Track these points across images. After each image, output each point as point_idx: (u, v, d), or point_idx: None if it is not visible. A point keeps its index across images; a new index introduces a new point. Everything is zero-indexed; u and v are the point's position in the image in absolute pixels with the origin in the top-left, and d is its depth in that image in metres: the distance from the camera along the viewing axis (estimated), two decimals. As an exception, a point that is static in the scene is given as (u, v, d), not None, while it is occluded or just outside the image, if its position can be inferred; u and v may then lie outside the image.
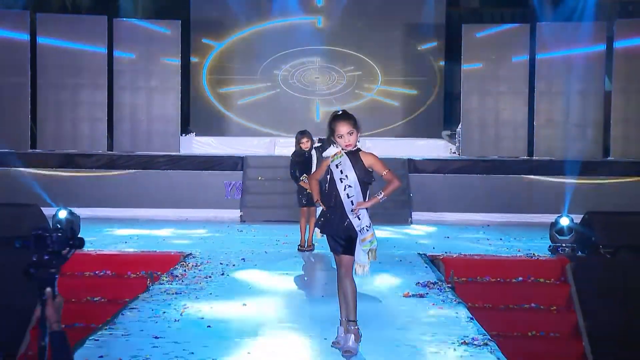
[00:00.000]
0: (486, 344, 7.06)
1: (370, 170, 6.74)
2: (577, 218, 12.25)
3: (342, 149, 6.74)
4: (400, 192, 13.96)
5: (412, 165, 16.95)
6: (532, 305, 10.62)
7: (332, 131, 6.75)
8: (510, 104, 19.05)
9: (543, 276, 11.12)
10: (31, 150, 18.18)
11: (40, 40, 18.62)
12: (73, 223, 12.34)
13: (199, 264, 10.86)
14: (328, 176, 6.82)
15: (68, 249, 4.12)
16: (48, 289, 4.13)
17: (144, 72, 19.14)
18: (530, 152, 18.64)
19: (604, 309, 10.32)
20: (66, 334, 4.19)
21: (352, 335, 6.71)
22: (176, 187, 16.69)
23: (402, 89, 21.18)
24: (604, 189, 16.32)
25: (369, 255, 6.67)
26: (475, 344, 7.05)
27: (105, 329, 7.55)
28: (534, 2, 19.73)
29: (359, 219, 6.64)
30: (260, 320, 7.98)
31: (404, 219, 15.82)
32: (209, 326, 7.69)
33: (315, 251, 12.00)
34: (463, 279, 10.89)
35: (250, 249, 12.47)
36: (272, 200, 16.00)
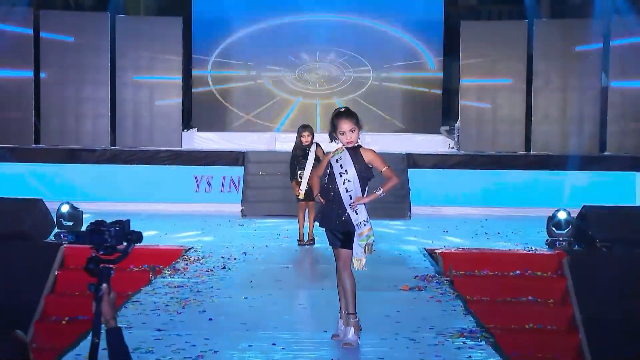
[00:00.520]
0: (484, 337, 7.16)
1: (370, 166, 6.84)
2: (574, 212, 12.29)
3: (344, 145, 6.86)
4: (399, 187, 14.01)
5: (411, 160, 17.05)
6: (530, 298, 10.68)
7: (334, 127, 6.86)
8: (508, 99, 19.15)
9: (540, 270, 11.17)
10: (35, 146, 18.30)
11: (44, 36, 18.73)
12: (76, 217, 12.47)
13: (200, 258, 10.92)
14: (328, 170, 6.93)
15: (126, 243, 3.99)
16: (104, 285, 3.98)
17: (147, 69, 19.23)
18: (528, 147, 18.75)
19: (600, 302, 10.38)
20: (121, 330, 4.05)
21: (352, 328, 6.81)
22: (178, 182, 16.78)
23: (400, 85, 21.25)
24: (601, 183, 16.40)
25: (365, 249, 6.78)
26: (473, 337, 7.14)
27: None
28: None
29: (357, 214, 6.74)
30: (261, 313, 8.07)
31: (403, 213, 15.91)
32: (211, 319, 7.77)
33: (315, 245, 12.05)
34: (461, 272, 10.92)
35: (251, 242, 12.52)
36: (273, 195, 16.07)
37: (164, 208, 16.24)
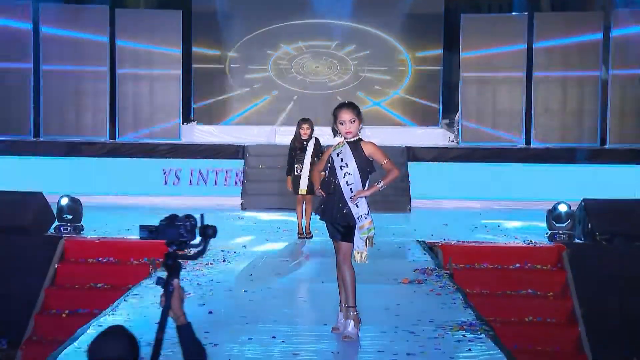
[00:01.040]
0: (483, 330, 7.18)
1: (371, 159, 6.86)
2: (574, 205, 12.30)
3: (344, 137, 6.88)
4: (399, 180, 14.00)
5: (411, 154, 17.05)
6: (529, 291, 10.71)
7: (335, 118, 6.91)
8: (508, 92, 19.13)
9: (540, 263, 11.19)
10: (35, 139, 18.29)
11: (44, 29, 18.71)
12: (76, 210, 12.47)
13: (200, 251, 10.93)
14: (329, 164, 6.95)
15: (201, 238, 3.82)
16: (176, 280, 3.84)
17: (146, 62, 19.20)
18: (528, 140, 18.74)
19: (599, 295, 10.42)
20: (192, 325, 3.93)
21: (352, 321, 6.82)
22: (177, 175, 16.79)
23: (400, 79, 21.24)
24: (601, 175, 16.39)
25: (366, 242, 6.80)
26: (473, 330, 7.16)
27: (109, 314, 7.67)
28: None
29: (357, 207, 6.76)
30: (261, 307, 8.09)
31: (403, 207, 15.91)
32: (211, 312, 7.79)
33: (315, 238, 12.04)
34: (461, 265, 10.93)
35: (251, 235, 12.57)
36: (273, 188, 16.07)
37: (163, 201, 16.22)
